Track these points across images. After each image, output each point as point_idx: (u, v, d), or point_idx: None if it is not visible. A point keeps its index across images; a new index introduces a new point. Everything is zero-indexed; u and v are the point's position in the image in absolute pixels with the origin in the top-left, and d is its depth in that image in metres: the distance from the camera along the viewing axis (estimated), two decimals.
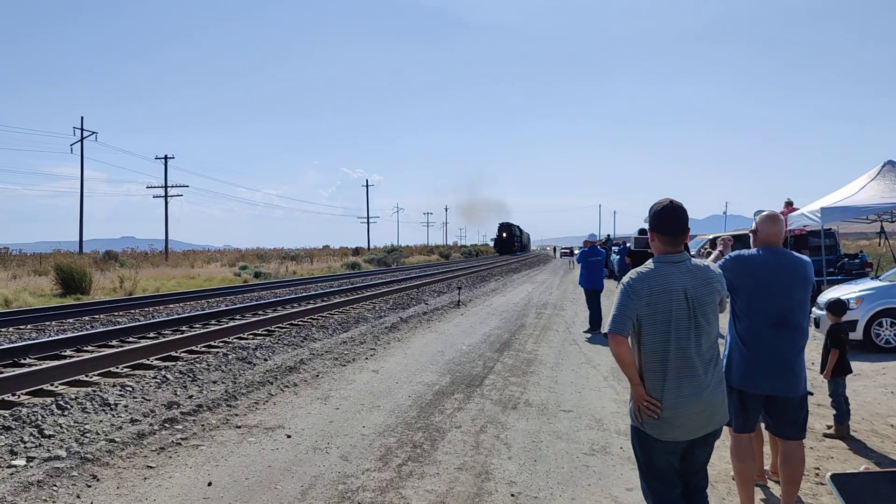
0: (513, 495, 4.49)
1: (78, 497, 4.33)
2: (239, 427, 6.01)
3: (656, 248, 3.14)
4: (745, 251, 4.16)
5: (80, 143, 50.68)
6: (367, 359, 9.43)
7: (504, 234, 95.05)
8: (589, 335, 12.21)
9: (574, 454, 5.38)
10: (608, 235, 45.04)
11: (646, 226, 14.97)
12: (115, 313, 15.07)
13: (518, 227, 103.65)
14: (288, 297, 18.13)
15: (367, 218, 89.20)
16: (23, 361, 8.58)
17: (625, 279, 3.08)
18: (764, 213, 4.19)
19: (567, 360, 9.67)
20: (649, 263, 3.11)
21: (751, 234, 4.28)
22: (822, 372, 5.96)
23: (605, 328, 3.07)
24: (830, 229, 16.72)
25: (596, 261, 13.19)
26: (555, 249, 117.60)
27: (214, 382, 7.59)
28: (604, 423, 6.29)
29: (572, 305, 17.77)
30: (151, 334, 11.31)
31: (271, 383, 7.68)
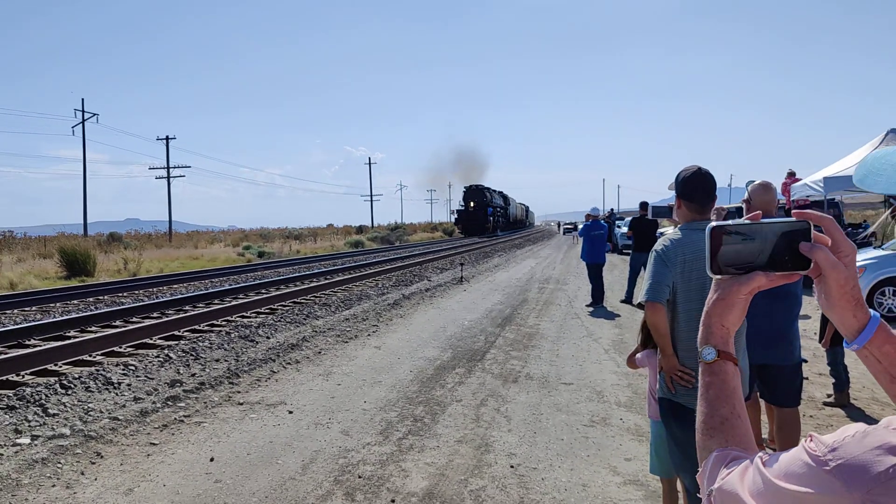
0: (512, 466, 4.52)
1: (82, 474, 4.38)
2: (241, 404, 6.05)
3: (682, 216, 3.08)
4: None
5: (81, 125, 50.55)
6: (369, 335, 9.47)
7: (472, 205, 64.37)
8: (591, 309, 12.22)
9: (574, 426, 5.41)
10: (612, 210, 44.92)
11: (647, 199, 14.91)
12: (119, 294, 15.13)
13: (500, 193, 75.99)
14: (291, 275, 18.17)
15: (371, 196, 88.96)
16: (27, 342, 8.63)
17: (657, 246, 3.03)
18: (756, 182, 4.17)
19: (568, 333, 9.70)
20: (676, 231, 3.07)
21: (744, 204, 4.27)
22: (820, 341, 5.97)
23: (640, 297, 3.03)
24: (834, 199, 16.66)
25: (598, 235, 13.17)
26: (559, 225, 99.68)
27: (217, 360, 7.63)
28: (604, 396, 6.32)
29: (575, 280, 17.78)
30: (155, 314, 11.36)
31: (273, 360, 7.73)
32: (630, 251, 14.39)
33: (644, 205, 13.82)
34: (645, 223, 13.35)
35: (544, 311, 11.91)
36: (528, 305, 12.70)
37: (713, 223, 1.00)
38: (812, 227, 0.95)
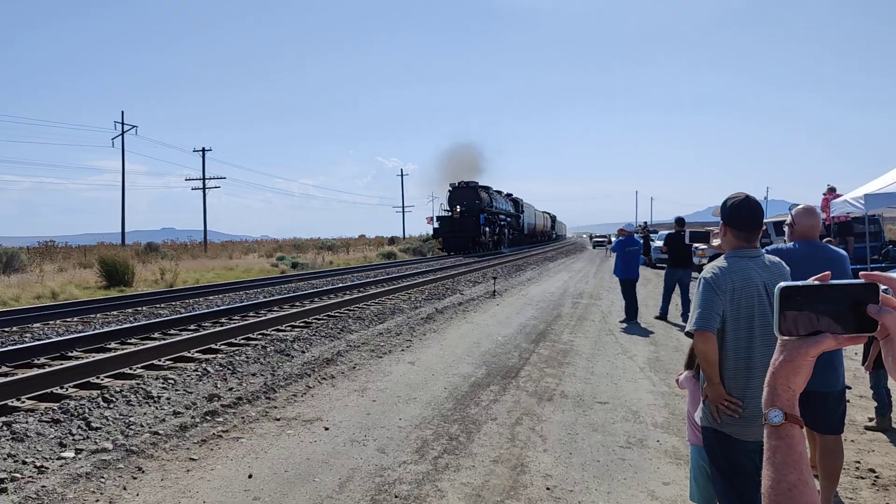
0: (548, 488, 4.51)
1: (124, 489, 4.46)
2: (278, 419, 6.11)
3: (729, 243, 3.06)
4: (781, 245, 4.11)
5: (120, 136, 51.65)
6: (403, 350, 9.50)
7: (459, 209, 47.22)
8: (625, 325, 12.12)
9: (610, 447, 5.38)
10: (645, 223, 44.47)
11: (680, 212, 14.74)
12: (157, 305, 15.39)
13: (509, 196, 60.96)
14: (324, 287, 18.33)
15: (402, 207, 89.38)
16: (70, 354, 8.83)
17: (705, 274, 3.00)
18: (800, 207, 4.13)
19: (603, 350, 9.63)
20: (722, 260, 3.05)
21: (787, 228, 4.22)
22: (863, 364, 5.85)
23: (689, 326, 2.99)
24: (875, 216, 16.34)
25: (632, 251, 13.08)
26: (591, 238, 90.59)
27: (254, 375, 7.73)
28: (640, 416, 6.26)
29: (608, 295, 17.65)
30: (192, 326, 11.54)
31: (309, 375, 7.79)
32: (665, 266, 14.26)
33: (680, 220, 13.68)
34: (680, 239, 13.23)
35: (578, 327, 11.85)
36: (562, 321, 12.64)
37: (783, 284, 1.00)
38: (880, 290, 0.95)
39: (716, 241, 4.56)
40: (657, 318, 13.02)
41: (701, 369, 3.04)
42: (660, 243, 28.75)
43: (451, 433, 5.72)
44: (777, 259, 3.10)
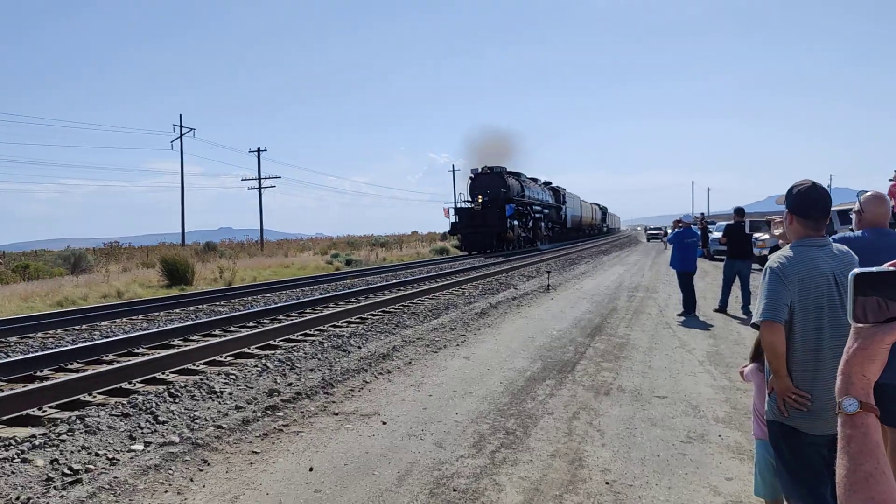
0: (607, 483, 4.47)
1: (191, 480, 4.60)
2: (336, 414, 6.21)
3: (795, 232, 2.97)
4: (849, 233, 3.98)
5: (179, 139, 53.02)
6: (458, 345, 9.53)
7: (481, 199, 39.98)
8: (682, 318, 11.91)
9: (670, 442, 5.30)
10: (702, 214, 43.62)
11: (740, 202, 14.41)
12: (217, 303, 15.77)
13: (546, 185, 53.92)
14: (378, 284, 18.50)
15: (455, 202, 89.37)
16: (136, 351, 9.12)
17: (771, 264, 2.92)
18: (869, 193, 3.99)
19: (660, 344, 9.49)
20: (788, 249, 2.97)
21: (855, 215, 4.08)
22: None
23: (756, 317, 2.93)
24: None
25: (690, 242, 12.84)
26: (646, 230, 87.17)
27: (311, 370, 7.86)
28: (700, 410, 6.16)
29: (665, 288, 17.36)
30: (251, 323, 11.79)
31: (366, 371, 7.89)
32: (723, 258, 13.96)
33: (740, 211, 13.36)
34: (740, 230, 12.92)
35: (634, 321, 11.70)
36: (618, 314, 12.49)
37: (857, 270, 0.98)
38: None
39: (777, 231, 4.45)
40: (716, 310, 12.75)
41: (767, 362, 2.97)
42: (718, 234, 28.15)
43: (507, 427, 5.72)
44: (845, 248, 3.01)
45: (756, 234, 17.61)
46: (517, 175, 45.19)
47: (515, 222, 40.93)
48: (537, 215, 47.79)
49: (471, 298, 15.15)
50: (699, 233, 13.70)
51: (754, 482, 3.60)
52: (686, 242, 12.78)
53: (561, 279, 20.16)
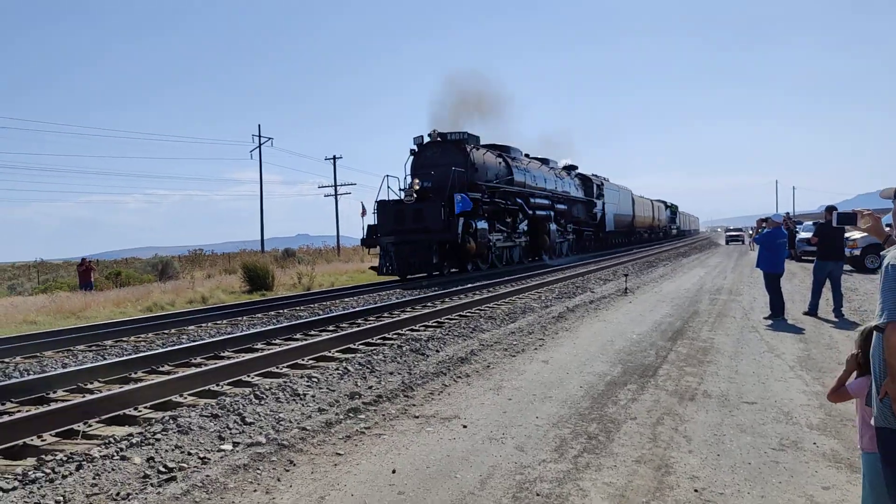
0: (696, 490, 4.34)
1: (278, 480, 4.71)
2: (417, 417, 6.25)
3: None
4: None
5: (258, 149, 54.62)
6: (536, 349, 9.46)
7: (418, 185, 24.14)
8: (770, 322, 11.48)
9: (761, 449, 5.11)
10: (787, 213, 41.83)
11: (829, 201, 13.80)
12: (297, 308, 16.13)
13: (569, 169, 40.45)
14: (453, 288, 18.56)
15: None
16: (222, 354, 9.42)
17: (891, 261, 2.76)
18: None
19: (747, 348, 9.17)
20: None
21: None
22: None
23: (879, 318, 2.77)
24: None
25: (780, 243, 12.39)
26: (726, 231, 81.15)
27: (391, 373, 7.93)
28: (793, 417, 5.92)
29: (749, 290, 16.79)
30: (330, 327, 12.01)
31: (444, 374, 7.91)
32: (812, 259, 13.41)
33: (831, 209, 12.79)
34: (832, 229, 12.37)
35: (718, 324, 11.35)
36: (700, 318, 12.15)
37: None
38: None
39: (865, 224, 4.23)
40: (806, 314, 12.25)
41: (891, 365, 2.78)
42: (806, 234, 27.02)
43: (589, 432, 5.63)
44: None
45: (847, 234, 16.84)
46: (501, 150, 29.48)
47: (481, 224, 24.84)
48: (541, 213, 31.12)
49: (547, 302, 15.02)
50: (786, 233, 13.18)
51: (862, 494, 3.41)
52: (776, 243, 12.34)
53: (639, 282, 19.76)
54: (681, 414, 6.10)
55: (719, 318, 12.15)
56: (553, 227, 32.56)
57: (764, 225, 13.04)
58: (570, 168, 40.98)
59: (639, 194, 59.41)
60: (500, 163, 28.31)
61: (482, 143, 28.41)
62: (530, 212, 30.17)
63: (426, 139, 25.92)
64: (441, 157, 25.34)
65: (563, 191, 36.36)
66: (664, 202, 75.95)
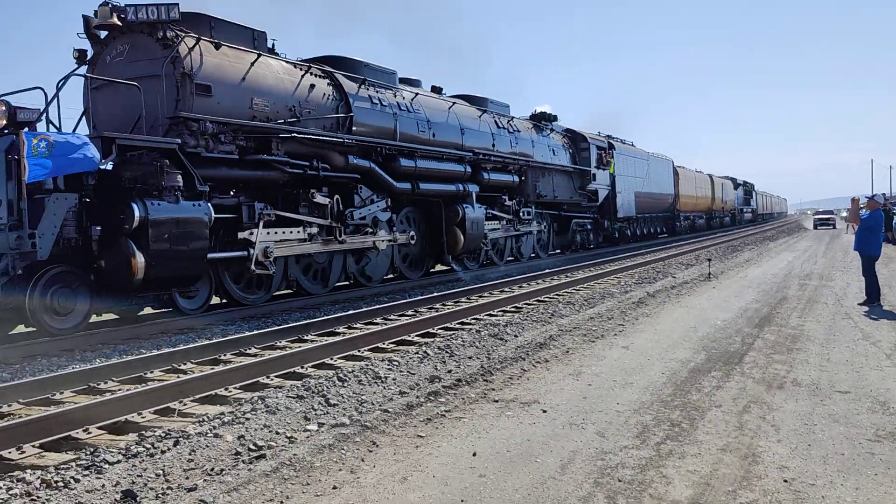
0: (785, 481, 4.22)
1: (362, 460, 4.84)
2: (496, 401, 6.28)
3: None
4: None
5: None
6: (615, 335, 9.34)
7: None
8: (865, 308, 10.97)
9: (855, 440, 4.92)
10: (883, 194, 39.47)
11: None
12: (378, 294, 16.38)
13: (538, 120, 25.11)
14: (531, 273, 18.47)
15: None
16: (306, 338, 9.69)
17: None
18: None
19: (839, 335, 8.80)
20: None
21: None
22: None
23: None
24: None
25: (878, 225, 11.84)
26: (813, 215, 67.06)
27: (470, 358, 7.99)
28: (890, 407, 5.66)
29: (842, 276, 16.08)
30: (409, 312, 12.17)
31: (523, 359, 7.91)
32: None
33: None
34: None
35: (808, 311, 10.93)
36: (789, 304, 11.73)
37: None
38: None
39: None
40: None
41: None
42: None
43: (672, 419, 5.54)
44: None
45: None
46: (326, 63, 15.54)
47: (191, 210, 10.74)
48: (446, 188, 18.51)
49: (627, 287, 14.77)
50: (882, 214, 12.55)
51: None
52: (875, 224, 11.80)
53: (723, 267, 19.19)
54: (769, 402, 5.93)
55: (809, 304, 11.69)
56: (477, 212, 19.09)
57: (862, 205, 12.45)
58: (542, 118, 25.41)
59: (679, 165, 43.89)
60: (310, 87, 14.13)
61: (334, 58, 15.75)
62: (402, 186, 16.51)
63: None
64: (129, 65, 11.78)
65: (519, 152, 22.33)
66: (733, 179, 63.57)
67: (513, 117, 23.17)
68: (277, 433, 5.36)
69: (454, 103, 19.84)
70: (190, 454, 4.85)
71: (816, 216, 57.66)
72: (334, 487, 4.34)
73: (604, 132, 31.98)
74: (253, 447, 5.01)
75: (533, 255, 24.48)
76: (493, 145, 20.81)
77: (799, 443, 4.90)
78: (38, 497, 4.11)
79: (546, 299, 13.18)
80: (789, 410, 5.68)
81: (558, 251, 27.29)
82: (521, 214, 22.55)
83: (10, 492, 4.16)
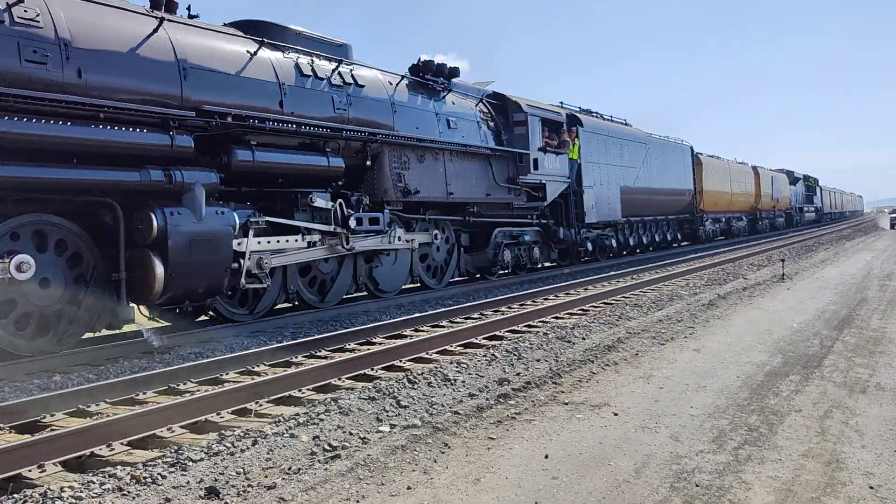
0: (871, 487, 4.08)
1: (435, 461, 4.89)
2: (566, 404, 6.25)
3: None
4: None
5: None
6: (685, 337, 9.17)
7: None
8: None
9: None
10: None
11: None
12: (444, 298, 16.47)
13: (430, 75, 15.50)
14: (596, 276, 18.26)
15: None
16: (374, 340, 9.82)
17: None
18: None
19: None
20: None
21: None
22: None
23: None
24: None
25: None
26: (890, 213, 56.82)
27: (538, 360, 7.97)
28: None
29: None
30: (475, 315, 12.19)
31: (592, 362, 7.85)
32: None
33: None
34: None
35: (890, 312, 10.50)
36: (869, 305, 11.29)
37: None
38: None
39: None
40: None
41: None
42: None
43: (749, 424, 5.41)
44: None
45: None
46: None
47: None
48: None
49: (696, 289, 14.46)
50: None
51: None
52: None
53: (797, 268, 18.58)
54: (851, 407, 5.73)
55: (891, 305, 11.23)
56: (208, 222, 9.86)
57: None
58: (428, 71, 16.04)
59: (702, 153, 34.96)
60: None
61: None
62: None
63: None
64: None
65: (354, 118, 13.09)
66: (789, 172, 54.13)
67: (355, 63, 13.68)
68: (351, 434, 5.46)
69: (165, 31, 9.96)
70: (268, 453, 4.99)
71: (893, 214, 52.62)
72: (408, 488, 4.40)
73: (633, 122, 25.37)
74: (328, 447, 5.12)
75: (420, 282, 16.24)
76: (281, 104, 11.66)
77: (885, 449, 4.73)
78: (129, 492, 4.29)
79: (613, 301, 13.02)
80: (873, 415, 5.49)
81: (465, 277, 18.08)
82: (352, 224, 13.01)
83: (104, 486, 4.36)
